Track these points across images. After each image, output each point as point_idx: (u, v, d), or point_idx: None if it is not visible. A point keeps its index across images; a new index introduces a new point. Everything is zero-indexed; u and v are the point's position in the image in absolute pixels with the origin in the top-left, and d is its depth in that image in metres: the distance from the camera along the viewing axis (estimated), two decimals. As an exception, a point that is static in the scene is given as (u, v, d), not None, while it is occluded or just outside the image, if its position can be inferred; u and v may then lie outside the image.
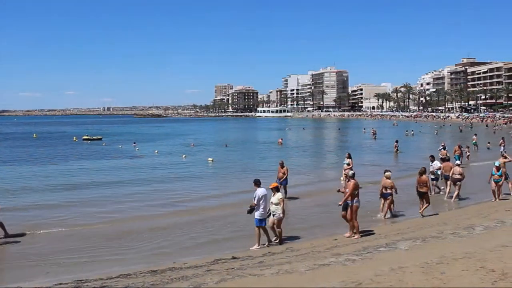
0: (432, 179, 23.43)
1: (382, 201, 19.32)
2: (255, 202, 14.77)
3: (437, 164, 24.26)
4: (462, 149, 35.06)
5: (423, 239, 12.49)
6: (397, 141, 50.39)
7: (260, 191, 14.91)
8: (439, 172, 23.70)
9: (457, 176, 22.00)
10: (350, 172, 15.69)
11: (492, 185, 21.35)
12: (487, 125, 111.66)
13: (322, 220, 19.20)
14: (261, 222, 14.90)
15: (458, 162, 24.09)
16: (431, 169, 23.75)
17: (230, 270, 10.88)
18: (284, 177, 23.04)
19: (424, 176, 19.04)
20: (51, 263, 13.96)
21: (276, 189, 15.32)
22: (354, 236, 15.31)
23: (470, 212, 18.08)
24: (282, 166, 23.36)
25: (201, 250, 15.15)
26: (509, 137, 65.63)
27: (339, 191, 16.65)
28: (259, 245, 14.87)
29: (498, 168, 21.33)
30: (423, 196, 18.93)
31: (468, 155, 38.60)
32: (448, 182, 22.89)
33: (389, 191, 18.90)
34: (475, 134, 52.92)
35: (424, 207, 18.89)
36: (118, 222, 19.52)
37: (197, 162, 43.78)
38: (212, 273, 10.70)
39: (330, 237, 15.72)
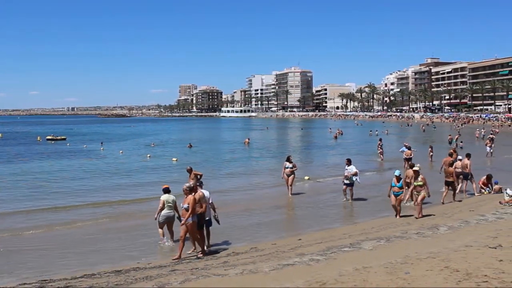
0: (347, 184, 22.43)
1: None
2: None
3: (352, 169, 22.30)
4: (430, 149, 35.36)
5: (388, 239, 12.55)
6: (381, 140, 48.85)
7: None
8: (354, 178, 22.28)
9: (459, 170, 22.44)
10: (186, 185, 13.87)
11: (392, 199, 18.15)
12: (462, 124, 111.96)
13: (285, 221, 19.23)
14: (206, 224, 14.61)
15: (460, 157, 23.96)
16: (346, 173, 22.47)
17: (194, 270, 10.81)
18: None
19: (450, 168, 21.05)
20: (15, 263, 13.66)
21: (166, 191, 15.39)
22: (199, 253, 13.96)
23: (434, 212, 18.24)
24: (190, 172, 20.39)
25: (165, 250, 15.04)
26: (474, 136, 66.96)
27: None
28: (207, 246, 14.70)
29: (398, 179, 18.06)
30: (450, 185, 21.04)
31: (432, 155, 38.72)
32: None
33: None
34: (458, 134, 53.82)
35: (445, 195, 20.80)
36: (81, 223, 19.16)
37: (161, 162, 43.59)
38: (176, 273, 10.62)
39: (294, 237, 15.72)
